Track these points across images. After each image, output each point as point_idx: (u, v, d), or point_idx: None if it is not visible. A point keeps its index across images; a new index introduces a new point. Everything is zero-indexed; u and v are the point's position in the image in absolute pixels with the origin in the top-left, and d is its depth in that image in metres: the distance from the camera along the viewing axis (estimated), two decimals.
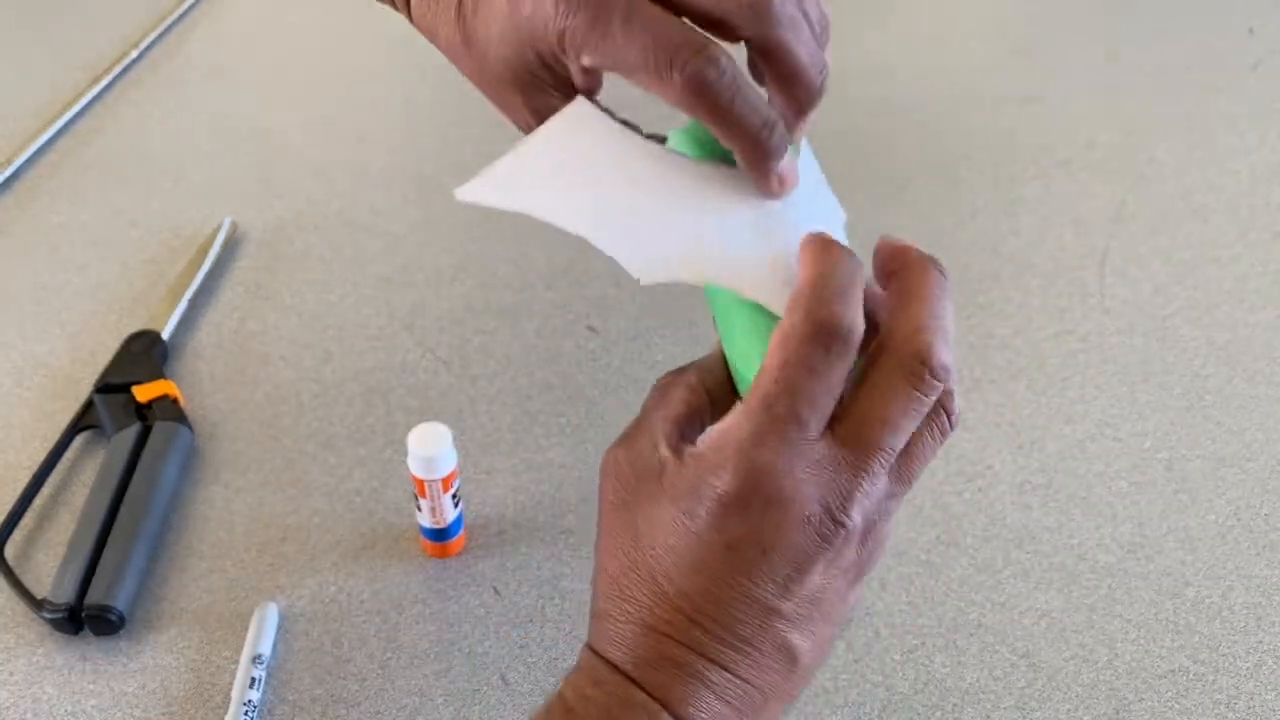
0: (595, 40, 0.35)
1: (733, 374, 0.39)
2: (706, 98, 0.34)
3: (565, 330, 0.75)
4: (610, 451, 0.38)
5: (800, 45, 0.36)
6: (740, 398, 0.38)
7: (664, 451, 0.36)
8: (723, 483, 0.34)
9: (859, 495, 0.34)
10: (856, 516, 0.34)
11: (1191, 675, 0.56)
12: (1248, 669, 0.56)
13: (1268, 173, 0.91)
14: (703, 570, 0.34)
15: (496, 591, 0.59)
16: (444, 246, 0.81)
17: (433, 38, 0.43)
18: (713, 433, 0.35)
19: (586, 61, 0.36)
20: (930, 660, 0.56)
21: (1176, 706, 0.54)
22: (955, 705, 0.54)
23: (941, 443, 0.36)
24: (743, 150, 0.36)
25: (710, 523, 0.34)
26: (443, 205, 0.85)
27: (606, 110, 0.39)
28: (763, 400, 0.34)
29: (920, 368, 0.34)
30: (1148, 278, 0.80)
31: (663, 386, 0.39)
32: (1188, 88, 1.02)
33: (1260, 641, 0.57)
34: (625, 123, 0.39)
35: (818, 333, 0.34)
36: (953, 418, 0.36)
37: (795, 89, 0.37)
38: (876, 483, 0.35)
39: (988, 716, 0.54)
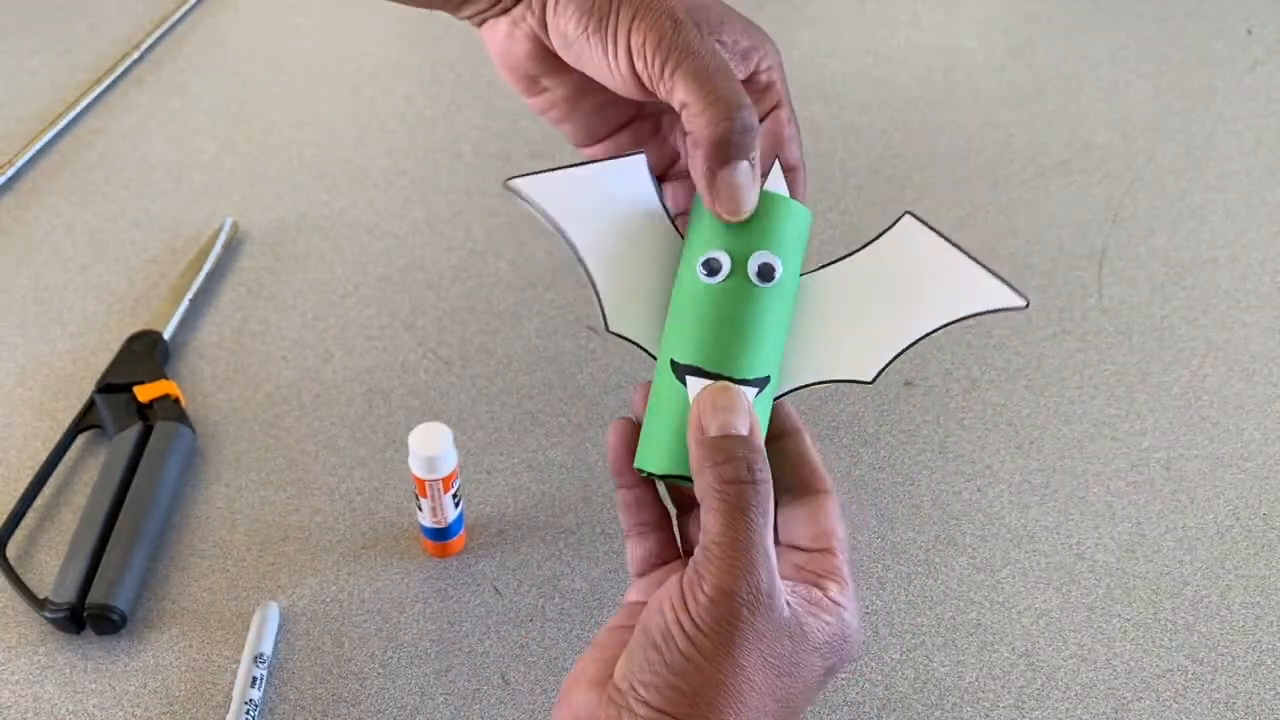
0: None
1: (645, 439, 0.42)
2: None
3: (565, 330, 0.75)
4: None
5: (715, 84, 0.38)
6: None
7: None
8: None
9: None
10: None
11: (1190, 675, 0.56)
12: (1246, 668, 0.56)
13: (1265, 173, 0.91)
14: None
15: (497, 591, 0.59)
16: (445, 247, 0.81)
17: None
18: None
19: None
20: (929, 659, 0.56)
21: (1175, 706, 0.54)
22: (954, 704, 0.54)
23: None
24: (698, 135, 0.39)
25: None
26: (443, 205, 0.85)
27: (656, 179, 0.43)
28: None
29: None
30: (1146, 278, 0.80)
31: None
32: (1186, 88, 1.02)
33: (1259, 641, 0.57)
34: (661, 198, 0.43)
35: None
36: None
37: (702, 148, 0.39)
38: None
39: (986, 715, 0.54)
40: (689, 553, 0.44)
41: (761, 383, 0.40)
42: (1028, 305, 0.40)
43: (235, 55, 1.05)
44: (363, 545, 0.61)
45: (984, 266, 0.40)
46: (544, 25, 0.41)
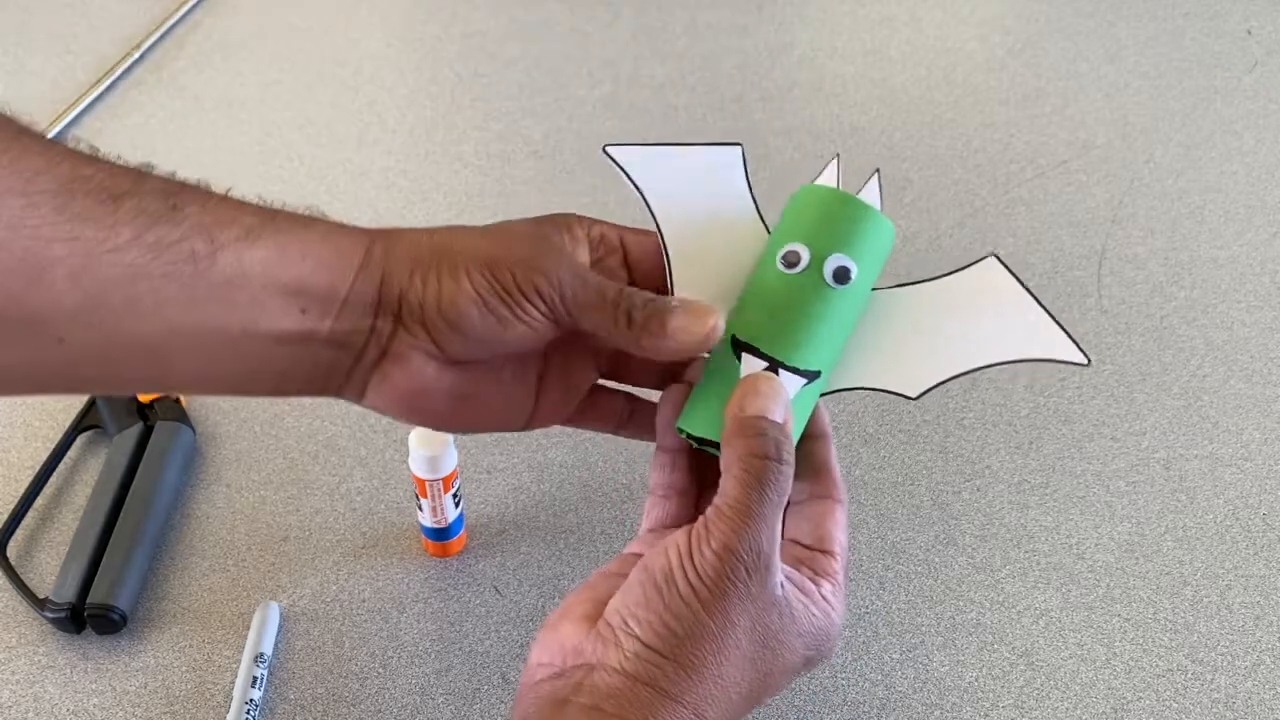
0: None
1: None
2: None
3: None
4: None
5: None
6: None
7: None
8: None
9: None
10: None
11: (1190, 674, 0.56)
12: (1246, 668, 0.56)
13: (1265, 173, 0.91)
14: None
15: (497, 591, 0.59)
16: None
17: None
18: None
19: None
20: (929, 659, 0.56)
21: (1174, 705, 0.54)
22: (954, 704, 0.54)
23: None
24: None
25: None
26: (443, 205, 0.85)
27: (746, 167, 0.44)
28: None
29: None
30: (1145, 278, 0.80)
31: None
32: (1186, 89, 1.02)
33: (1258, 640, 0.57)
34: (752, 190, 0.44)
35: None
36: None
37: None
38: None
39: (986, 715, 0.54)
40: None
41: (812, 375, 0.41)
42: (1089, 364, 0.41)
43: (235, 55, 1.05)
44: (363, 545, 0.61)
45: (1055, 320, 0.41)
46: (440, 330, 0.40)
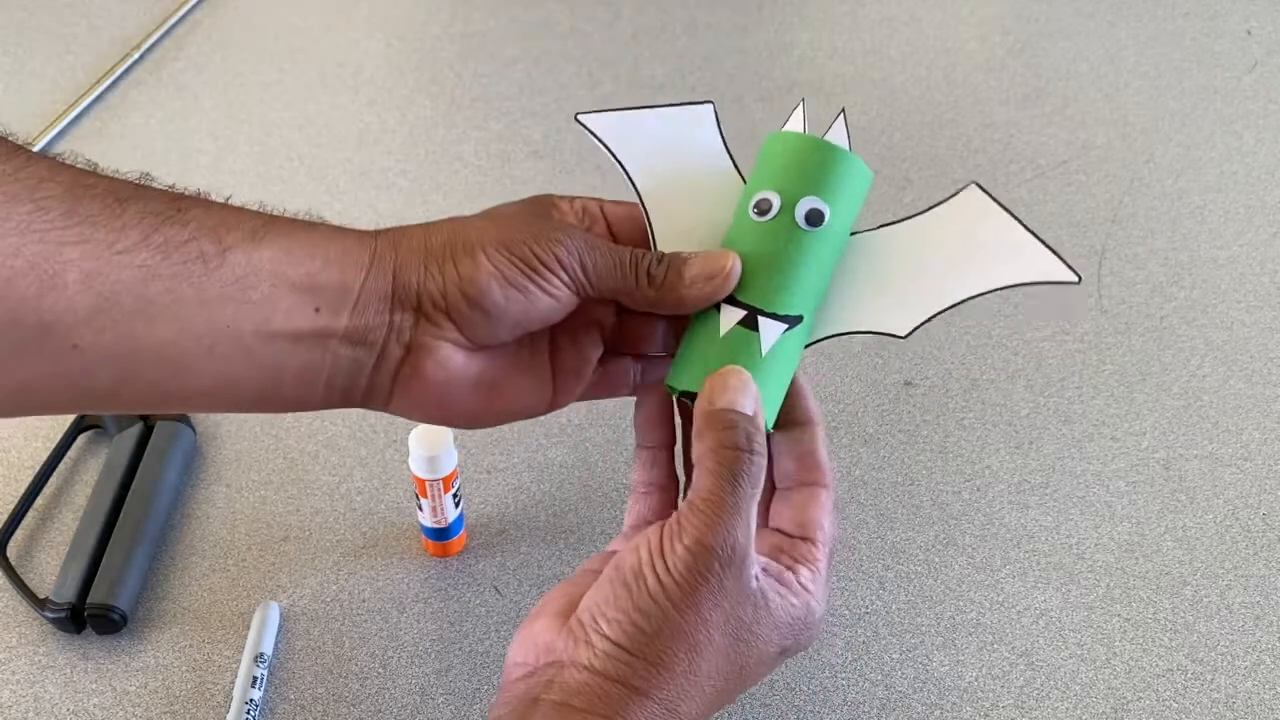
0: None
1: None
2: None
3: None
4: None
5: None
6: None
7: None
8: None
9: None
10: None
11: (1189, 674, 0.56)
12: (1246, 668, 0.56)
13: (1265, 174, 0.91)
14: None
15: (497, 591, 0.59)
16: None
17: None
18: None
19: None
20: (929, 659, 0.56)
21: (1174, 705, 0.54)
22: (954, 704, 0.54)
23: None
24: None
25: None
26: (443, 205, 0.85)
27: (719, 124, 0.44)
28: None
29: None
30: (1145, 278, 0.80)
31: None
32: (1186, 89, 1.02)
33: (1258, 640, 0.57)
34: (726, 144, 0.44)
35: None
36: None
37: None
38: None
39: (986, 715, 0.54)
40: None
41: (793, 320, 0.41)
42: (1079, 281, 0.40)
43: (235, 55, 1.05)
44: (363, 545, 0.61)
45: (1040, 240, 0.40)
46: (463, 318, 0.40)
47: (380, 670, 0.55)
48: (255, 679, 0.53)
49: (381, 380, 0.40)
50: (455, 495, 0.58)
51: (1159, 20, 1.13)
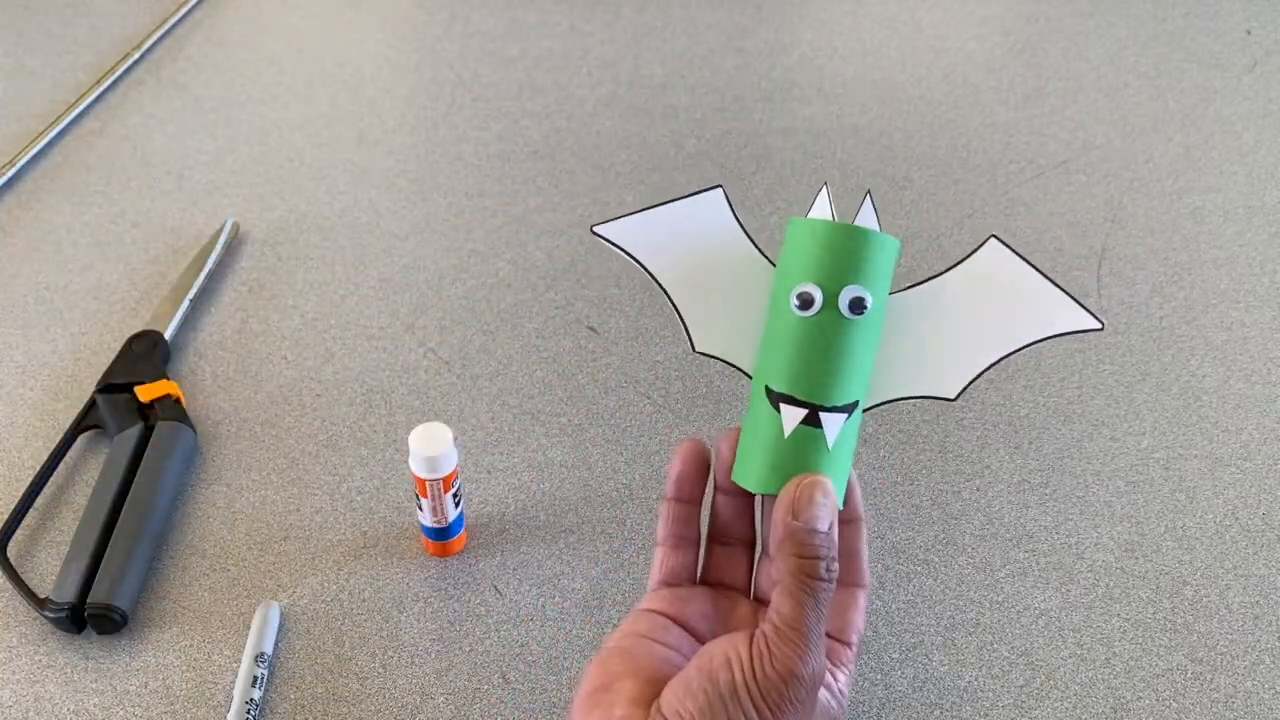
0: None
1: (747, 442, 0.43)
2: None
3: (565, 330, 0.75)
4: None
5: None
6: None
7: None
8: None
9: None
10: None
11: (1189, 674, 0.56)
12: (1245, 667, 0.56)
13: (1264, 174, 0.91)
14: None
15: (497, 590, 0.59)
16: (444, 246, 0.82)
17: None
18: None
19: None
20: (929, 659, 0.56)
21: (1174, 705, 0.54)
22: (954, 704, 0.54)
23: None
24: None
25: None
26: (443, 205, 0.85)
27: (733, 207, 0.45)
28: None
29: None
30: (1144, 278, 0.80)
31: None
32: (1186, 89, 1.02)
33: (1258, 640, 0.57)
34: (742, 225, 0.45)
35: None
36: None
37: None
38: None
39: (986, 715, 0.54)
40: (706, 581, 0.48)
41: (850, 408, 0.42)
42: (1103, 328, 0.42)
43: (235, 55, 1.05)
44: (363, 545, 0.61)
45: (1064, 291, 0.42)
46: None
47: (380, 670, 0.55)
48: (255, 679, 0.54)
49: None
50: (455, 495, 0.58)
51: (1159, 20, 1.13)
